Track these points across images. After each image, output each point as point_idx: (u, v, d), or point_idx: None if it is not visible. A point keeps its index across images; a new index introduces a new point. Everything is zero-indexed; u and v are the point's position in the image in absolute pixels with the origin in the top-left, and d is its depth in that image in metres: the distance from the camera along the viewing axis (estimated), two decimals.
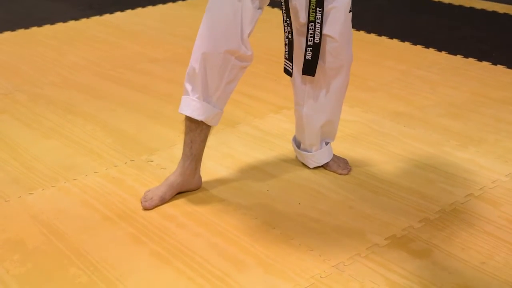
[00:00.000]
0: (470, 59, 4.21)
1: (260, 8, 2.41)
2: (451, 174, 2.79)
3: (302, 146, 2.81)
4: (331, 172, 2.80)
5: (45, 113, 3.38)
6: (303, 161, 2.85)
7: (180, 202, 2.57)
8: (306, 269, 2.19)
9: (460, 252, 2.28)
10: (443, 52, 4.33)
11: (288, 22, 2.45)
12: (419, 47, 4.45)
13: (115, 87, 3.74)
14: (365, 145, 3.06)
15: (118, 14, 5.27)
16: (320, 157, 2.80)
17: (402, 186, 2.70)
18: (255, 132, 3.18)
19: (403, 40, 4.57)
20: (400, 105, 3.50)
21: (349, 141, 3.08)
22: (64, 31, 4.81)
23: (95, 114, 3.36)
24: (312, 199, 2.61)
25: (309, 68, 2.52)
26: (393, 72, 4.00)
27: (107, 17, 5.18)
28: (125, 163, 2.88)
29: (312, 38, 2.45)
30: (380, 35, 4.70)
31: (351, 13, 2.52)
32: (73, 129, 3.20)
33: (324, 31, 2.47)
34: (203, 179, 2.69)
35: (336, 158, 2.84)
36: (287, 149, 2.98)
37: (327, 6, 2.43)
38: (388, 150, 3.01)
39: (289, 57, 2.54)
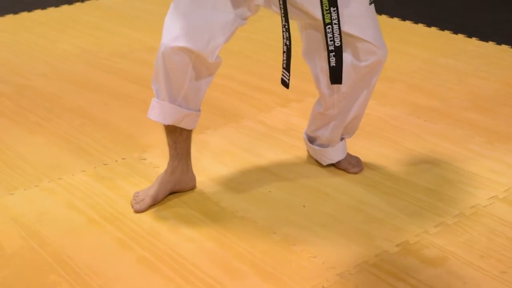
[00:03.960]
0: (504, 46, 4.21)
1: (245, 18, 2.43)
2: (474, 174, 2.80)
3: (318, 141, 2.83)
4: (341, 171, 2.82)
5: (31, 106, 3.43)
6: (315, 157, 2.87)
7: (173, 203, 2.60)
8: (307, 277, 2.22)
9: (479, 260, 2.30)
10: (474, 38, 4.33)
11: (286, 27, 2.42)
12: (446, 32, 4.45)
13: (108, 78, 3.79)
14: (380, 141, 3.08)
15: None
16: (334, 153, 2.82)
17: (419, 187, 2.72)
18: (260, 127, 3.21)
19: (429, 25, 4.58)
20: (422, 98, 3.51)
21: (363, 137, 3.09)
22: (56, 17, 4.87)
23: (85, 108, 3.41)
24: (318, 201, 2.63)
25: (336, 76, 2.48)
26: (415, 60, 4.01)
27: (103, 1, 5.23)
28: (116, 161, 2.92)
29: (332, 42, 2.42)
30: (404, 19, 4.71)
31: (372, 5, 2.52)
32: (60, 124, 3.25)
33: (348, 31, 2.46)
34: (200, 178, 2.73)
35: (348, 155, 2.86)
36: (294, 146, 3.01)
37: (341, 8, 2.41)
38: (406, 147, 3.02)
39: (287, 66, 2.51)
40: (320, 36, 2.53)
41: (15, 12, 4.96)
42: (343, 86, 2.59)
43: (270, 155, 2.96)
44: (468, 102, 3.46)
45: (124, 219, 2.52)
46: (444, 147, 3.02)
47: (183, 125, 2.52)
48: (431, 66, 3.93)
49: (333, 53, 2.44)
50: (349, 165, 2.83)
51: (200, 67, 2.44)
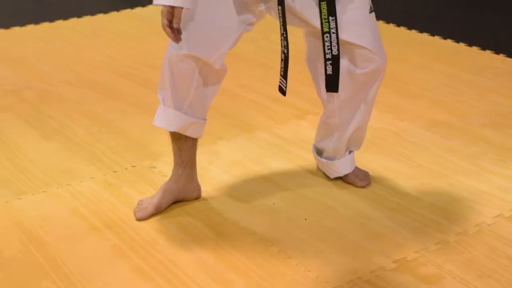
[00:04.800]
0: None
1: (250, 24, 2.41)
2: (483, 192, 2.72)
3: (325, 153, 2.79)
4: (348, 185, 2.76)
5: (51, 112, 3.44)
6: (323, 170, 2.83)
7: (175, 212, 2.58)
8: None
9: (476, 280, 2.22)
10: (501, 55, 4.23)
11: (284, 35, 2.40)
12: (474, 48, 4.36)
13: (131, 86, 3.78)
14: (392, 156, 3.01)
15: (150, 7, 5.31)
16: (341, 166, 2.77)
17: (425, 203, 2.65)
18: (273, 139, 3.17)
19: (457, 41, 4.48)
20: (440, 113, 3.43)
21: (375, 151, 3.03)
22: (90, 25, 4.90)
23: (103, 115, 3.41)
24: (320, 214, 2.58)
25: (332, 84, 2.46)
26: (439, 76, 3.92)
27: (138, 10, 5.25)
28: (126, 168, 2.91)
29: (330, 51, 2.41)
30: (433, 34, 4.62)
31: (373, 13, 2.48)
32: (77, 130, 3.25)
33: (346, 38, 2.42)
34: (206, 187, 2.70)
35: (356, 169, 2.81)
36: (305, 159, 2.96)
37: (340, 15, 2.39)
38: (417, 162, 2.95)
39: (284, 74, 2.49)
40: (321, 44, 2.49)
41: (51, 20, 4.99)
42: (342, 94, 2.55)
43: (279, 167, 2.92)
44: (487, 119, 3.37)
45: (125, 226, 2.50)
46: (456, 164, 2.95)
47: (188, 133, 2.51)
48: (454, 82, 3.84)
49: (330, 62, 2.41)
50: (357, 179, 2.78)
51: (206, 74, 2.43)
